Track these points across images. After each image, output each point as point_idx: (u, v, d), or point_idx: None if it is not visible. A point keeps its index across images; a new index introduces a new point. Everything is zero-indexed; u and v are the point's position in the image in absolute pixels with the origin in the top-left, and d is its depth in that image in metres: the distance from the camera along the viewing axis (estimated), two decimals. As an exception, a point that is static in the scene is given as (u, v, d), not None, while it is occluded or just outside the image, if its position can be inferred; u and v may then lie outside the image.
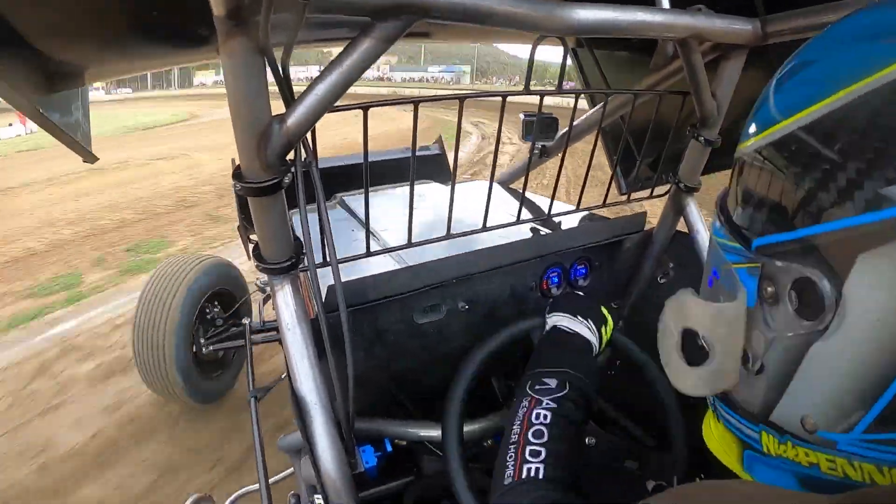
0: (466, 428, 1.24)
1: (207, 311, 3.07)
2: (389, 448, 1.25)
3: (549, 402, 1.00)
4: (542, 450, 0.92)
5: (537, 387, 1.04)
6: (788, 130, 0.53)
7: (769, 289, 0.55)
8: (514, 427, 0.98)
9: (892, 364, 0.46)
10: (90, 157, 1.14)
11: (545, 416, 0.98)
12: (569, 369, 1.08)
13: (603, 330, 1.25)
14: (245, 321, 2.80)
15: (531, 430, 0.95)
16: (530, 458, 0.91)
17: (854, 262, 0.46)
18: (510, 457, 0.93)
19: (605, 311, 1.27)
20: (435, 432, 1.26)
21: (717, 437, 0.71)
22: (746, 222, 0.60)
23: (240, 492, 1.89)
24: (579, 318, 1.22)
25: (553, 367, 1.09)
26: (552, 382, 1.05)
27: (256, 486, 1.62)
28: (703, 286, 0.73)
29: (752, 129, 0.60)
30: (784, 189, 0.54)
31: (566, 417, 0.99)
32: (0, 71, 0.85)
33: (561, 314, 1.24)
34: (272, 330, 2.93)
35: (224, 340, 3.14)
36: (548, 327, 1.24)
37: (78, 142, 1.08)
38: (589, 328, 1.22)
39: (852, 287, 0.47)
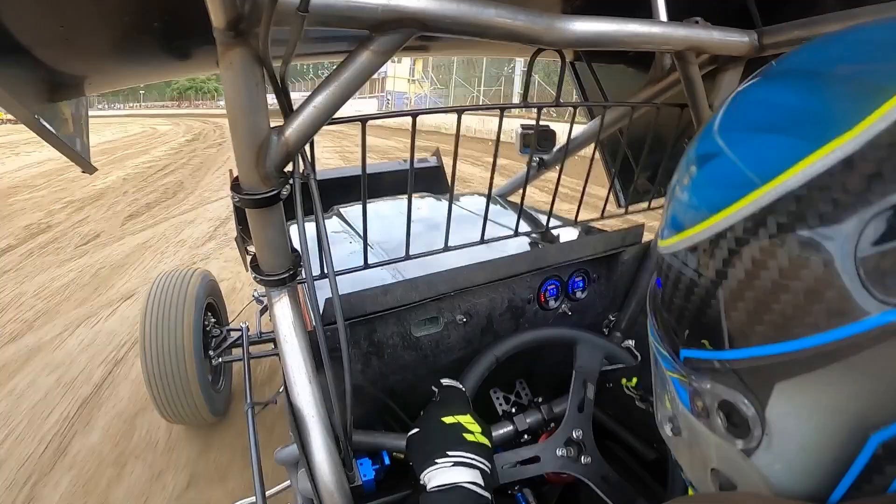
0: None
1: (206, 323, 3.01)
2: (387, 461, 1.24)
3: None
4: None
5: None
6: (699, 238, 0.50)
7: (699, 403, 0.53)
8: None
9: (826, 483, 0.44)
10: (89, 168, 1.14)
11: None
12: None
13: (474, 438, 1.08)
14: (242, 326, 2.77)
15: None
16: None
17: (772, 389, 0.45)
18: None
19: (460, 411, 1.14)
20: None
21: None
22: (673, 328, 0.56)
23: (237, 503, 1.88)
24: (449, 454, 1.03)
25: None
26: None
27: (252, 498, 1.61)
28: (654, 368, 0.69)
29: (669, 229, 0.56)
30: (701, 303, 0.50)
31: None
32: (0, 80, 0.85)
33: (431, 470, 1.02)
34: (270, 341, 2.91)
35: (226, 351, 3.08)
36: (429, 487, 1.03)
37: (76, 152, 1.08)
38: (463, 460, 1.02)
39: (774, 413, 0.45)
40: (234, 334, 3.07)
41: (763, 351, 0.44)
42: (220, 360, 3.02)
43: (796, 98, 0.47)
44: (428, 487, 1.01)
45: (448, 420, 1.11)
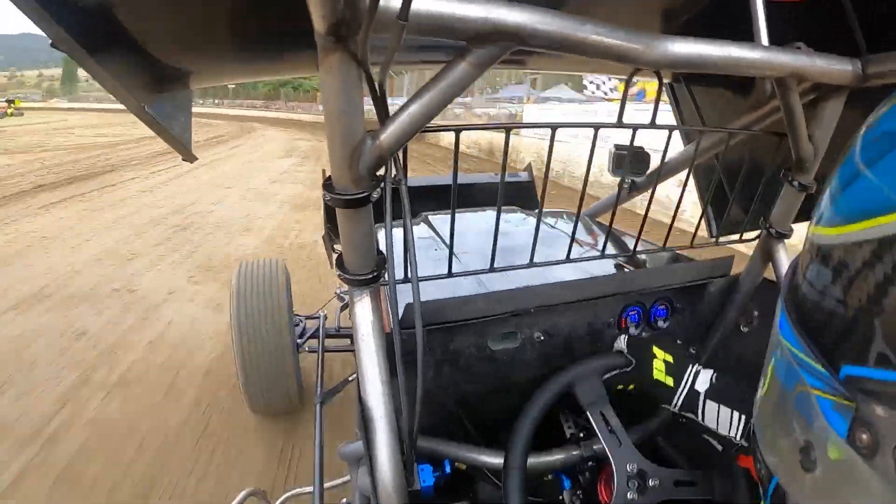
0: (529, 460, 1.23)
1: None
2: (448, 470, 1.25)
3: None
4: None
5: None
6: None
7: (864, 436, 0.41)
8: None
9: None
10: (190, 157, 1.20)
11: None
12: None
13: None
14: (320, 315, 2.84)
15: None
16: None
17: None
18: None
19: None
20: (497, 460, 1.25)
21: None
22: (832, 337, 0.46)
23: (293, 491, 1.92)
24: None
25: None
26: None
27: (310, 487, 1.64)
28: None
29: (850, 207, 0.46)
30: None
31: None
32: (113, 71, 0.91)
33: None
34: (347, 337, 2.97)
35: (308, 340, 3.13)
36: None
37: (179, 141, 1.14)
38: None
39: None
40: (311, 324, 3.14)
41: None
42: (306, 349, 3.07)
43: None
44: None
45: None
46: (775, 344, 0.55)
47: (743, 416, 1.12)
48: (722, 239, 1.74)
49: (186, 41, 1.05)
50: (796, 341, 0.50)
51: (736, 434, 1.12)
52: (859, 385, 0.42)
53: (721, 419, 1.15)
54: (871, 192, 0.43)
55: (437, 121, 0.97)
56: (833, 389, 0.44)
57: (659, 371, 1.27)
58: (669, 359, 1.29)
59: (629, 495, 1.19)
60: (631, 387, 1.33)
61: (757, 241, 1.65)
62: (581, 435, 1.41)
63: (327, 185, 0.94)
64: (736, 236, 1.73)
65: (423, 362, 1.00)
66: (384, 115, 0.92)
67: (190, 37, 1.04)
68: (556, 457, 1.31)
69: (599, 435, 1.25)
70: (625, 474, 1.20)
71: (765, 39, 1.19)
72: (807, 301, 0.51)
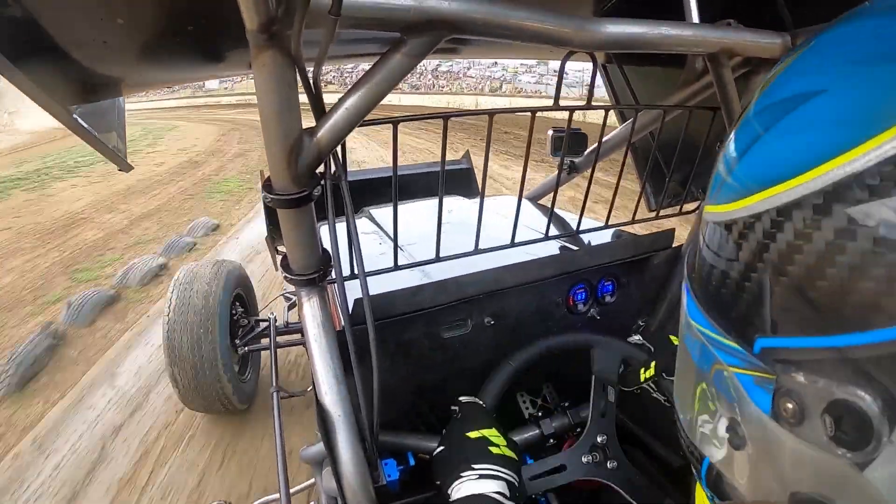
0: None
1: (234, 313, 3.06)
2: (412, 461, 1.25)
3: None
4: None
5: None
6: (814, 188, 0.37)
7: (789, 405, 0.40)
8: None
9: None
10: (125, 166, 1.16)
11: None
12: None
13: (500, 451, 1.06)
14: (270, 317, 2.83)
15: None
16: None
17: None
18: None
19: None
20: None
21: None
22: (742, 311, 0.44)
23: (261, 500, 1.89)
24: (474, 467, 1.02)
25: None
26: None
27: (276, 495, 1.62)
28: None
29: (746, 179, 0.43)
30: (808, 274, 0.38)
31: None
32: (38, 79, 0.86)
33: (456, 484, 1.01)
34: (297, 332, 2.95)
35: (254, 340, 3.13)
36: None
37: (111, 150, 1.10)
38: (489, 472, 1.02)
39: None
40: (263, 325, 3.13)
41: None
42: (247, 348, 3.06)
43: None
44: (452, 499, 1.00)
45: (472, 435, 1.10)
46: (685, 326, 0.55)
47: None
48: (663, 212, 1.77)
49: (112, 47, 1.01)
50: (706, 321, 0.49)
51: None
52: (775, 356, 0.41)
53: None
54: (769, 158, 0.42)
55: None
56: (751, 364, 0.43)
57: None
58: None
59: (584, 458, 1.22)
60: (651, 370, 1.24)
61: (697, 212, 1.69)
62: (539, 414, 1.42)
63: (267, 185, 0.92)
64: (676, 209, 1.76)
65: (377, 357, 1.00)
66: (320, 112, 0.90)
67: (116, 42, 1.00)
68: (516, 437, 1.32)
69: (592, 395, 1.27)
70: (592, 439, 1.23)
71: (695, 17, 1.21)
72: (711, 280, 0.49)
